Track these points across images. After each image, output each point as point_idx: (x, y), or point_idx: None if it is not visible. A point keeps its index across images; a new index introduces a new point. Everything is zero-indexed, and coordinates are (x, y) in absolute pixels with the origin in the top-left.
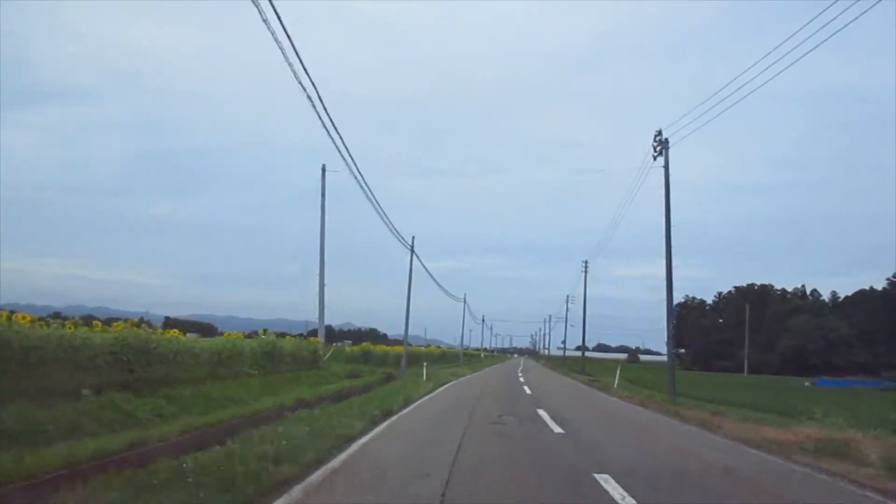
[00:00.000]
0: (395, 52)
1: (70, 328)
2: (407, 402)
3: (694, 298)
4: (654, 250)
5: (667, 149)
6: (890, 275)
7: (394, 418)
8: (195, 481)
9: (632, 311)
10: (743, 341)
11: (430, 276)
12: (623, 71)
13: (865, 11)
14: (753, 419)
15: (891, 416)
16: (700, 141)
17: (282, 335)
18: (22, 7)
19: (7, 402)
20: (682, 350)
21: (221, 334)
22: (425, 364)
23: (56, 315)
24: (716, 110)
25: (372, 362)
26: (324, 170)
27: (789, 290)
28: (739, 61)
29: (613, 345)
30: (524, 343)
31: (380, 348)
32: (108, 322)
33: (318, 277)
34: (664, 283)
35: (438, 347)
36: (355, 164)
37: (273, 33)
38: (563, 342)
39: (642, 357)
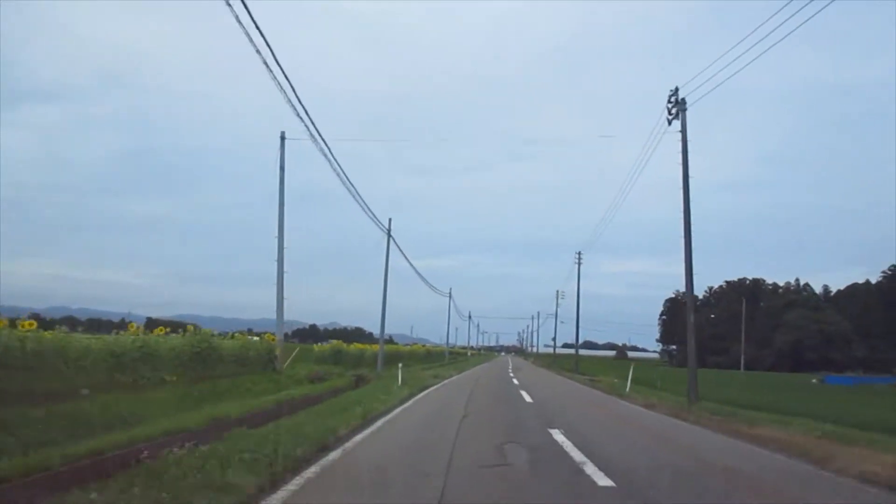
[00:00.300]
0: (378, 50)
1: None
2: (365, 423)
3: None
4: (639, 247)
5: (683, 111)
6: (885, 268)
7: (318, 467)
8: None
9: (617, 307)
10: (736, 336)
11: (410, 263)
12: (606, 69)
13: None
14: (845, 439)
15: None
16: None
17: (255, 335)
18: None
19: None
20: (673, 346)
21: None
22: (401, 366)
23: (35, 316)
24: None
25: (345, 363)
26: (283, 138)
27: (781, 284)
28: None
29: (600, 342)
30: (511, 341)
31: (355, 347)
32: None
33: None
34: (651, 279)
35: (423, 346)
36: (319, 134)
37: None
38: (554, 339)
39: (630, 354)
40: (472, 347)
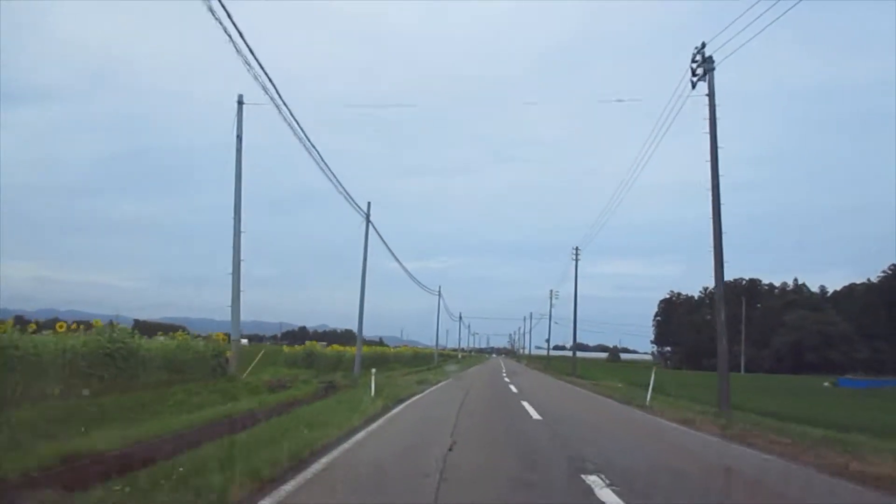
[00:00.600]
0: (368, 52)
1: None
2: (289, 469)
3: (679, 294)
4: (626, 249)
5: (711, 70)
6: (885, 267)
7: None
8: None
9: (607, 309)
10: (733, 337)
11: (395, 256)
12: (606, 71)
13: None
14: None
15: None
16: (677, 138)
17: (228, 337)
18: None
19: None
20: (668, 348)
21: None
22: (374, 372)
23: (19, 319)
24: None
25: (319, 366)
26: (240, 102)
27: (777, 284)
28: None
29: (591, 343)
30: (502, 343)
31: (332, 349)
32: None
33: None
34: (641, 281)
35: (412, 348)
36: (282, 99)
37: None
38: (548, 340)
39: (622, 356)
40: (462, 349)
